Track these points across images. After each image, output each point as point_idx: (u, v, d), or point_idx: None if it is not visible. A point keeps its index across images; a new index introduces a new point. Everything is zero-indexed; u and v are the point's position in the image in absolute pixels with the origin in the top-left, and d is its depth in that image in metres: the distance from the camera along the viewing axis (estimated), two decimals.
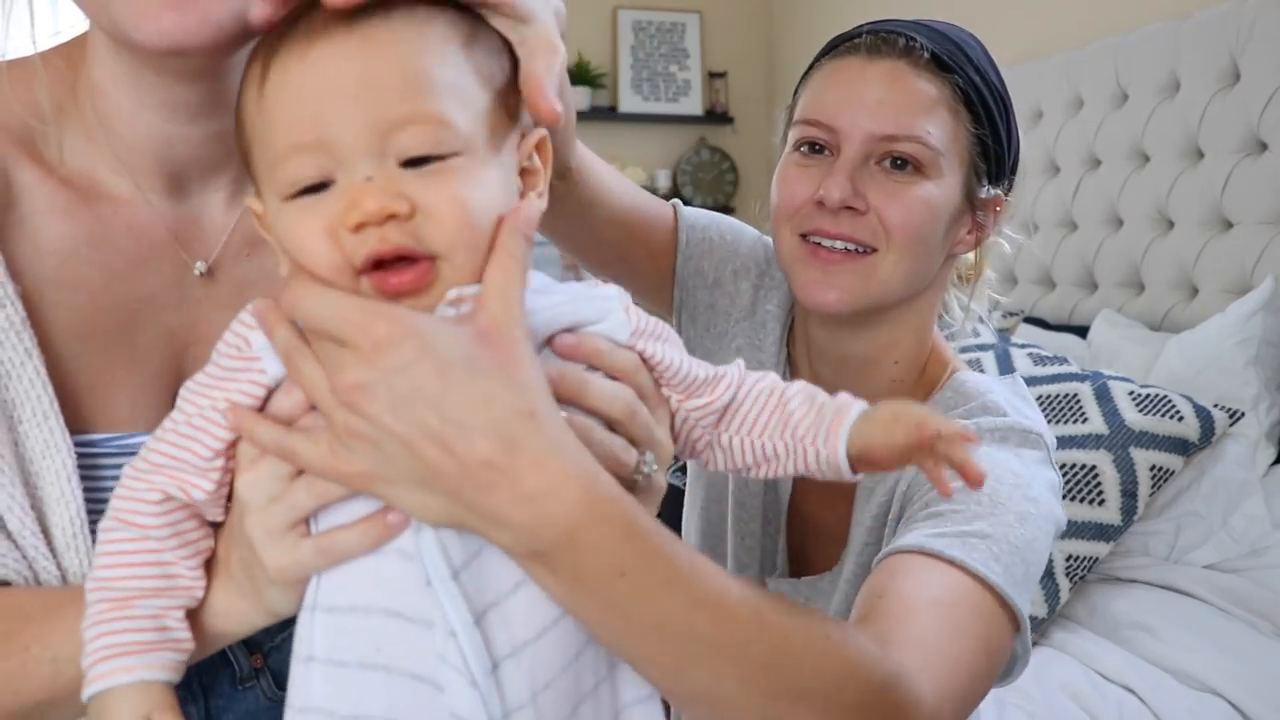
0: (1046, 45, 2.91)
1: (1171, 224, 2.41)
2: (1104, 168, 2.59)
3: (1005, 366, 2.01)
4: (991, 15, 3.18)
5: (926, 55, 0.90)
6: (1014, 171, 0.97)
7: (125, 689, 0.57)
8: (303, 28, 0.56)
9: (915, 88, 0.89)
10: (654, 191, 4.31)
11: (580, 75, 4.25)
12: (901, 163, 0.89)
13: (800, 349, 1.03)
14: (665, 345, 0.64)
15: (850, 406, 0.64)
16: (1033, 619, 1.67)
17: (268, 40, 0.58)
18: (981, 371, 1.91)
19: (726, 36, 4.50)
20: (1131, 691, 1.50)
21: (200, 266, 0.77)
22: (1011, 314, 2.60)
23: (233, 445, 0.59)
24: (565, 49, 0.63)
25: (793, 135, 0.95)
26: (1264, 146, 2.17)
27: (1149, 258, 2.45)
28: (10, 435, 0.66)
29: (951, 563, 0.76)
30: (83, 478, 0.67)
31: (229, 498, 0.61)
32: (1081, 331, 2.46)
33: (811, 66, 0.98)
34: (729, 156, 4.43)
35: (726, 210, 4.25)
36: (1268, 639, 1.59)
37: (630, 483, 0.61)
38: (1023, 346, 2.09)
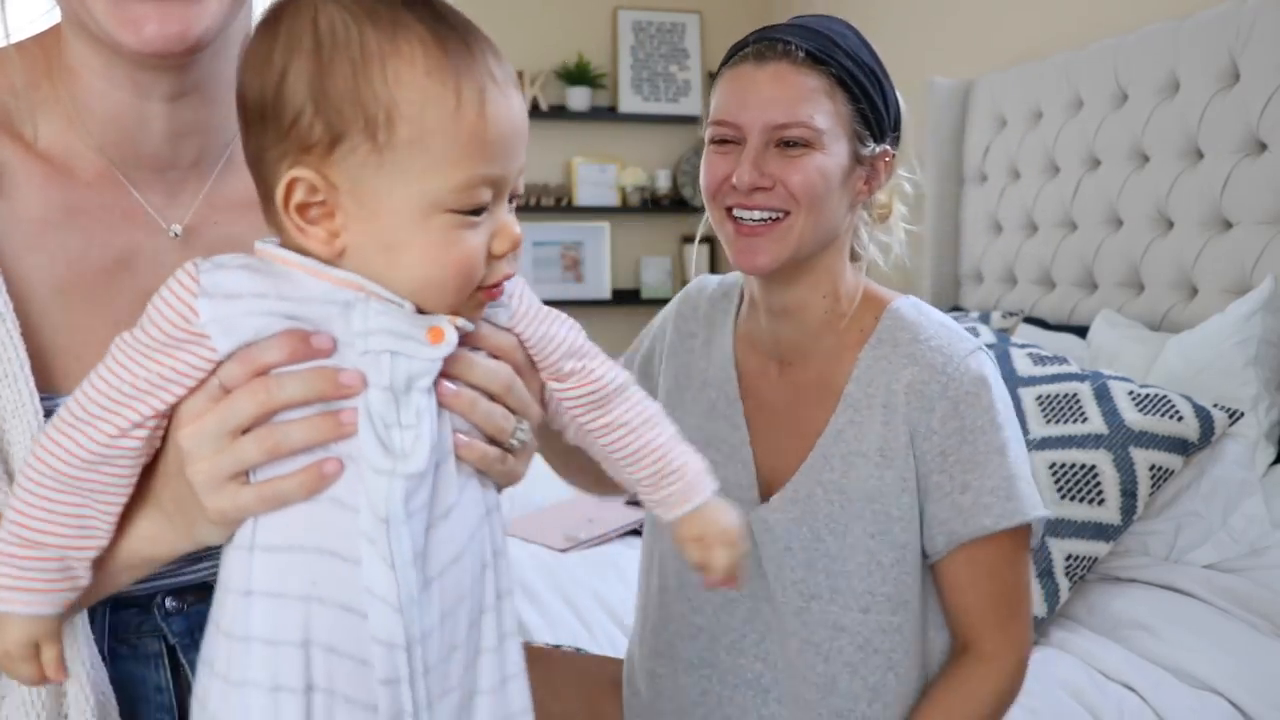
0: (1046, 45, 2.92)
1: (1171, 224, 2.41)
2: (1103, 168, 2.60)
3: (1004, 366, 2.01)
4: (991, 15, 3.18)
5: (802, 54, 1.09)
6: (896, 128, 1.16)
7: (20, 617, 0.65)
8: (488, 55, 0.65)
9: (797, 82, 1.08)
10: (654, 191, 4.32)
11: (580, 75, 4.25)
12: (793, 143, 1.08)
13: (748, 310, 1.23)
14: (548, 326, 0.75)
15: (690, 495, 0.77)
16: (1032, 618, 1.67)
17: (467, 40, 0.65)
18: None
19: (726, 37, 4.48)
20: (1132, 690, 1.50)
21: (176, 229, 0.82)
22: (1011, 314, 2.60)
23: (173, 407, 0.65)
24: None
25: (709, 133, 1.14)
26: (1263, 147, 2.17)
27: (1148, 258, 2.45)
28: None
29: (997, 534, 1.09)
30: None
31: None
32: (1081, 331, 2.46)
33: (718, 73, 1.17)
34: None
35: None
36: (1267, 638, 1.59)
37: (509, 445, 0.71)
38: (1022, 346, 2.09)
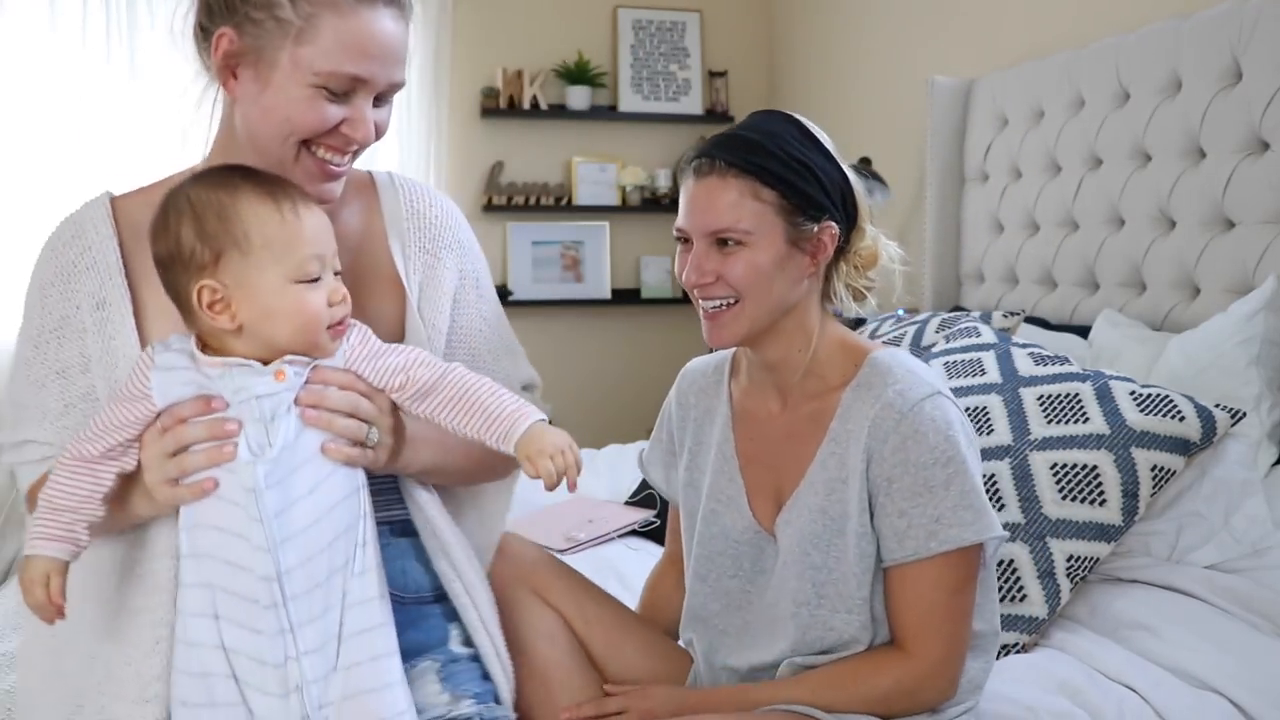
0: (1048, 44, 2.91)
1: (1173, 224, 2.41)
2: (1105, 167, 2.59)
3: (1006, 366, 2.00)
4: (993, 14, 3.17)
5: (726, 167, 1.26)
6: (839, 203, 1.28)
7: (42, 557, 1.04)
8: (292, 188, 1.07)
9: (726, 193, 1.26)
10: (654, 190, 4.31)
11: (580, 74, 4.24)
12: (728, 241, 1.26)
13: (740, 364, 1.44)
14: (380, 360, 1.09)
15: (516, 427, 1.05)
16: (1033, 619, 1.67)
17: (277, 184, 1.07)
18: (983, 371, 1.95)
19: (727, 36, 4.49)
20: (1132, 689, 1.50)
21: None
22: (1013, 314, 2.59)
23: (139, 436, 1.07)
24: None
25: (675, 233, 1.35)
26: (1266, 146, 2.17)
27: (1150, 257, 2.45)
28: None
29: (941, 554, 1.24)
30: None
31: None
32: (1083, 331, 2.46)
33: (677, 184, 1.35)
34: None
35: None
36: (1269, 639, 1.59)
37: (367, 445, 1.08)
38: (1024, 346, 2.08)
